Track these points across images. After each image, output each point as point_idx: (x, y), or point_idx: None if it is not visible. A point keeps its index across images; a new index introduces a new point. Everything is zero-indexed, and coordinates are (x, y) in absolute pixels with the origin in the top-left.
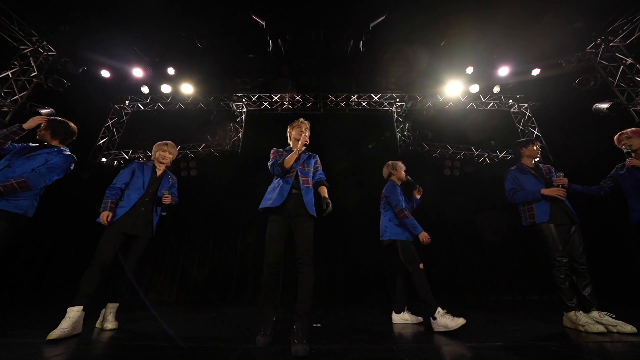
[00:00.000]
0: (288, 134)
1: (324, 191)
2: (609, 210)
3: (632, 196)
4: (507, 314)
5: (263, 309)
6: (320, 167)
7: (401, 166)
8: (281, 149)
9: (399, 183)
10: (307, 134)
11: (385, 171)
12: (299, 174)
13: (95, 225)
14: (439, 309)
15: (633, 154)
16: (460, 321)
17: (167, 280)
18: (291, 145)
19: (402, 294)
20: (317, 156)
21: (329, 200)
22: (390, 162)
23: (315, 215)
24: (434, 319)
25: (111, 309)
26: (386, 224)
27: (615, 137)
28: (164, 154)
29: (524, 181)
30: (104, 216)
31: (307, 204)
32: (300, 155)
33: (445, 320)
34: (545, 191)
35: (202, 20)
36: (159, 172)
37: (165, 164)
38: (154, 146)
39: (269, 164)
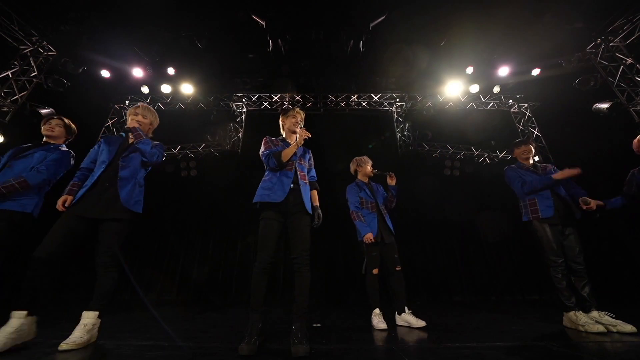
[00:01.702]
0: (281, 124)
1: (315, 198)
2: (609, 210)
3: None
4: (507, 314)
5: (249, 313)
6: (313, 165)
7: (366, 161)
8: (274, 138)
9: (366, 180)
10: (302, 125)
11: (351, 167)
12: (297, 168)
13: None
14: (377, 309)
15: None
16: (382, 325)
17: (167, 280)
18: (284, 136)
19: (398, 294)
20: (310, 151)
21: (320, 212)
22: (355, 158)
23: (311, 212)
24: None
25: (15, 320)
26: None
27: (637, 140)
28: (136, 117)
29: (524, 176)
30: (60, 201)
31: (305, 200)
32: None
33: (375, 319)
34: (557, 175)
35: (202, 20)
36: (131, 140)
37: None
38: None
39: (263, 154)
